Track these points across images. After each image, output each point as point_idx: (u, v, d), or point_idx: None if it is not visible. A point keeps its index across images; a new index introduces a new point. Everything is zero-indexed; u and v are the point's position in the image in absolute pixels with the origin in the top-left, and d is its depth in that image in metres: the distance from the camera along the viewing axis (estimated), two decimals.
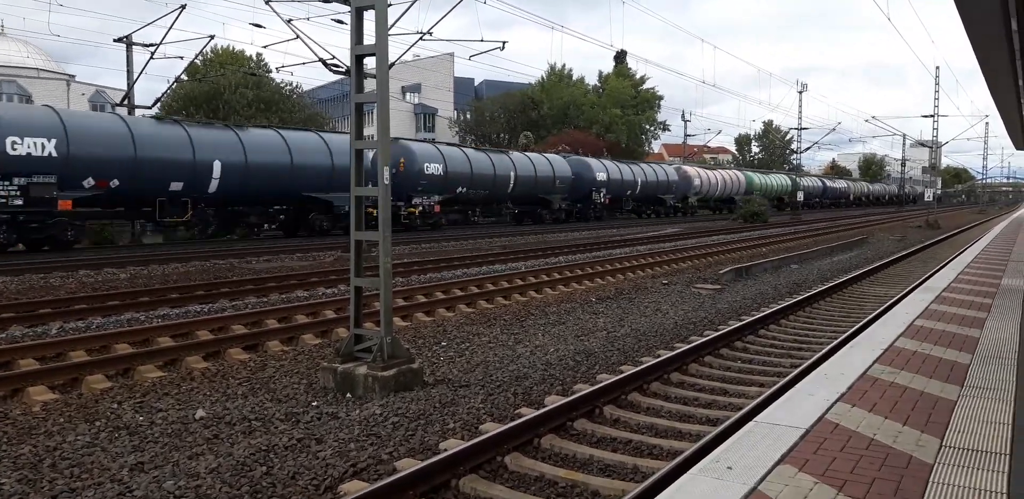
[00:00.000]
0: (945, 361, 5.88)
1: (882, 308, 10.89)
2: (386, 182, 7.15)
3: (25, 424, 6.10)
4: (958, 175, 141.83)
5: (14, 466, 5.15)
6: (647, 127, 65.80)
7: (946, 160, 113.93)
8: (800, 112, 52.56)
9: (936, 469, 3.63)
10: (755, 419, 4.33)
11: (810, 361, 7.62)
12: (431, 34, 22.69)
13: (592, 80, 67.19)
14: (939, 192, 63.90)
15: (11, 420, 6.20)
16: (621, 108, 61.49)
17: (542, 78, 64.01)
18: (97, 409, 6.53)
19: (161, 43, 25.73)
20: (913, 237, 30.91)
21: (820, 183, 71.97)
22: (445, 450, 5.18)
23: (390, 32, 7.50)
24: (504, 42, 25.60)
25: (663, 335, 9.78)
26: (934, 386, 5.14)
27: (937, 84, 47.18)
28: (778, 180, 62.15)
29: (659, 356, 8.16)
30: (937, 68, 63.04)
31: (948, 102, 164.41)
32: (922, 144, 67.08)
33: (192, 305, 11.43)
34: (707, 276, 16.22)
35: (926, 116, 47.10)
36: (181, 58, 29.45)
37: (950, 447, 3.94)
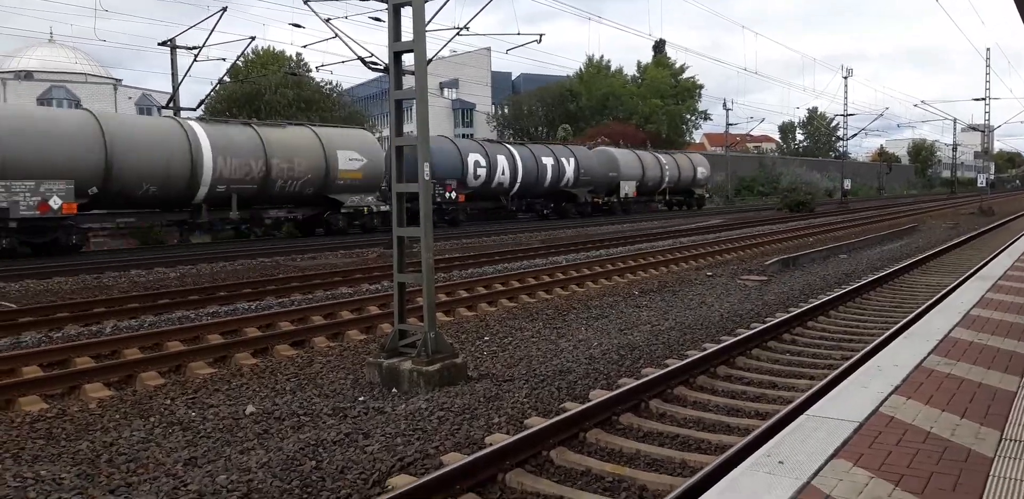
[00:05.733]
0: (1003, 351, 5.69)
1: (936, 297, 10.60)
2: (426, 178, 7.17)
3: (83, 421, 6.27)
4: (1012, 159, 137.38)
5: (73, 461, 5.30)
6: (688, 117, 65.02)
7: (999, 144, 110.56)
8: (846, 98, 51.70)
9: (996, 463, 3.51)
10: (806, 412, 4.24)
11: (862, 353, 7.46)
12: (468, 29, 22.74)
13: (631, 71, 66.61)
14: (992, 177, 62.08)
15: (69, 417, 6.38)
16: (661, 98, 60.85)
17: (580, 70, 63.64)
18: (151, 405, 6.69)
19: (204, 46, 26.15)
20: (966, 224, 30.06)
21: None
22: (491, 444, 5.19)
23: (427, 28, 7.50)
24: (541, 35, 25.48)
25: (709, 328, 9.66)
26: (992, 377, 4.98)
27: (988, 66, 45.79)
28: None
29: (705, 349, 8.06)
30: (988, 50, 61.28)
31: (1000, 84, 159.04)
32: (973, 128, 65.17)
33: (240, 303, 11.63)
34: (753, 267, 15.98)
35: (977, 99, 45.83)
36: (223, 60, 30.10)
37: (1011, 440, 3.81)
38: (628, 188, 38.55)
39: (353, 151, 25.54)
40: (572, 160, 34.98)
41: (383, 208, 26.25)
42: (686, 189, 45.04)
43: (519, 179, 32.18)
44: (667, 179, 41.89)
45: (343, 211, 25.41)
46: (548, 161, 33.66)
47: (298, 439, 5.62)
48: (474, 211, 31.57)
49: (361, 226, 25.98)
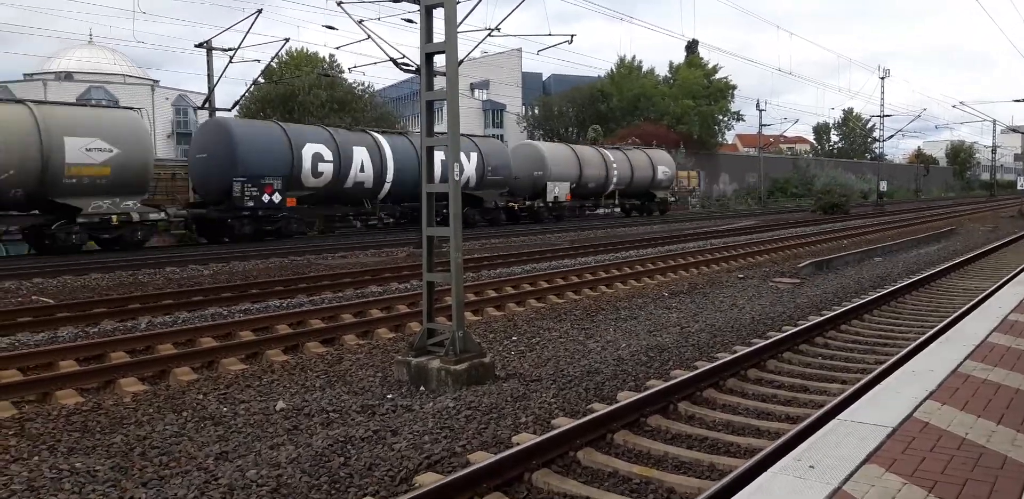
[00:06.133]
0: None
1: (973, 302, 10.39)
2: (456, 178, 7.19)
3: (117, 414, 6.39)
4: None
5: (107, 454, 5.40)
6: (720, 118, 64.43)
7: None
8: (882, 99, 50.73)
9: None
10: (838, 417, 4.18)
11: (896, 357, 7.33)
12: (499, 30, 22.75)
13: (663, 71, 66.16)
14: None
15: (104, 410, 6.50)
16: (693, 99, 60.34)
17: (611, 70, 63.38)
18: (184, 400, 6.79)
19: (239, 47, 26.59)
20: (1005, 228, 29.41)
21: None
22: (518, 444, 5.19)
23: (459, 29, 7.53)
24: (572, 35, 25.40)
25: (739, 330, 9.57)
26: None
27: None
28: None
29: (735, 352, 7.98)
30: None
31: None
32: (1014, 130, 63.78)
33: (272, 300, 11.76)
34: (785, 270, 15.79)
35: (1018, 100, 44.78)
36: (258, 61, 30.52)
37: None
38: (558, 190, 32.62)
39: (96, 138, 18.64)
40: (475, 155, 28.66)
41: (153, 216, 20.21)
42: (643, 192, 38.53)
43: (389, 178, 25.88)
44: (615, 180, 35.61)
45: (80, 221, 18.73)
46: (436, 155, 28.80)
47: (327, 435, 5.66)
48: (315, 218, 25.07)
49: (116, 241, 19.73)
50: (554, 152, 33.37)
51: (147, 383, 7.32)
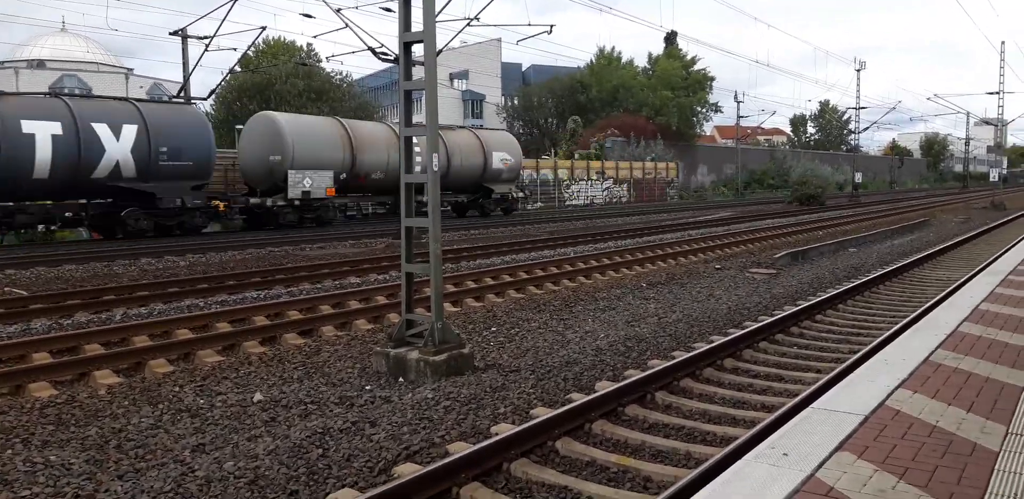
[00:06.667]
0: (1012, 346, 5.66)
1: (945, 292, 10.55)
2: (435, 169, 7.17)
3: (92, 407, 6.33)
4: None
5: (82, 447, 5.35)
6: (699, 109, 64.67)
7: (1012, 139, 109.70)
8: (858, 91, 51.18)
9: (1002, 457, 3.50)
10: (812, 405, 4.23)
11: (869, 347, 7.44)
12: (478, 20, 22.65)
13: (642, 62, 66.24)
14: (1004, 171, 61.60)
15: (79, 403, 6.43)
16: (672, 90, 60.51)
17: (591, 61, 63.36)
18: (160, 392, 6.73)
19: (215, 35, 26.11)
20: (978, 219, 29.85)
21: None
22: (496, 434, 5.21)
23: (438, 19, 7.48)
24: (552, 26, 25.41)
25: (716, 321, 9.65)
26: (1000, 372, 4.96)
27: (1002, 59, 45.32)
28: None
29: (712, 342, 8.06)
30: (1002, 43, 60.45)
31: (1015, 78, 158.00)
32: (987, 122, 64.67)
33: (249, 292, 11.68)
34: (761, 260, 15.94)
35: (991, 93, 45.37)
36: (234, 50, 30.22)
37: (1017, 435, 3.80)
38: (310, 183, 23.08)
39: None
40: (131, 129, 18.97)
41: None
42: (475, 185, 29.17)
43: None
44: (418, 169, 22.71)
45: None
46: (42, 127, 17.63)
47: (305, 427, 5.65)
48: None
49: None
50: (303, 128, 23.33)
51: (122, 375, 7.25)
